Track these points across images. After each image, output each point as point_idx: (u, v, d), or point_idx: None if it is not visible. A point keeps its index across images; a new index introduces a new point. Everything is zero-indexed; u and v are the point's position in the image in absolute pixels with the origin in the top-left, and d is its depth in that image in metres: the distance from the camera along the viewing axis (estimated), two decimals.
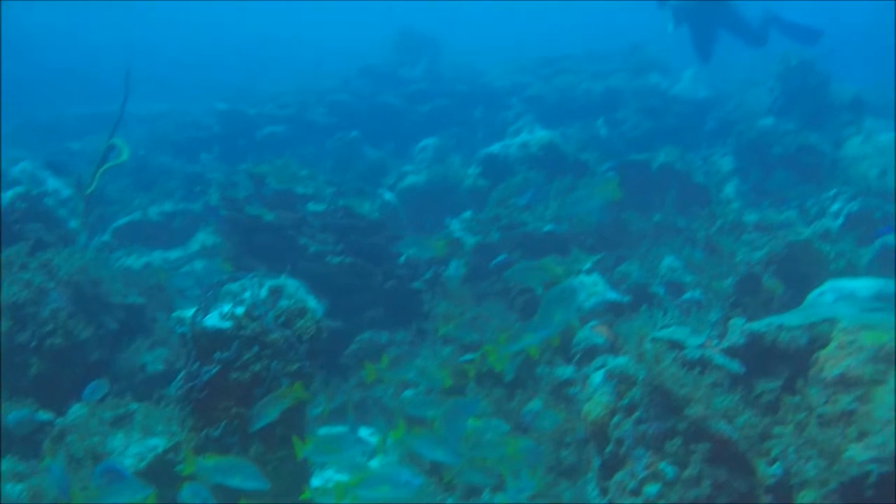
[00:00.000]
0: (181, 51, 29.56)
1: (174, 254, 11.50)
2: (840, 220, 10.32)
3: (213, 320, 5.82)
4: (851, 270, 8.38)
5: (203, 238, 11.49)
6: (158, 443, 6.13)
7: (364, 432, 7.77)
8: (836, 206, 10.76)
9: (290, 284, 6.34)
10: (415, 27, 22.38)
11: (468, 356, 7.49)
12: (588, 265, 8.55)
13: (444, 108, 17.77)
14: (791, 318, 5.61)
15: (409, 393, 7.41)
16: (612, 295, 8.07)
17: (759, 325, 5.59)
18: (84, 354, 7.69)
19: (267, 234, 9.53)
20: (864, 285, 6.87)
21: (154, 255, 11.44)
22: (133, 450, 6.12)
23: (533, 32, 27.72)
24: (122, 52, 25.55)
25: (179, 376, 5.99)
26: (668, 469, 4.89)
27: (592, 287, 8.09)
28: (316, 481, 6.34)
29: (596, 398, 5.63)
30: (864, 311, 5.65)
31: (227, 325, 5.79)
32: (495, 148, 12.59)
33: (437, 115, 17.51)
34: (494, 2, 33.24)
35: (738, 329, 5.68)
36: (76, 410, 6.66)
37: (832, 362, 4.98)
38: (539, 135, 12.61)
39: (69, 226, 10.35)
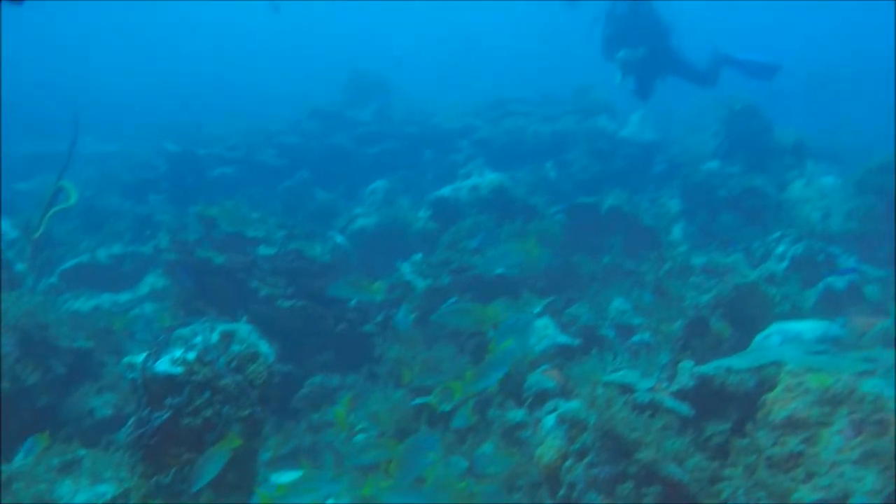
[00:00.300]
0: (131, 90, 29.36)
1: (123, 297, 11.39)
2: (785, 263, 10.50)
3: (164, 365, 5.78)
4: (797, 313, 8.52)
5: (153, 281, 11.41)
6: (107, 489, 6.04)
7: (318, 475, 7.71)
8: (780, 249, 10.95)
9: (242, 329, 6.32)
10: (364, 69, 22.48)
11: (420, 400, 7.50)
12: (538, 308, 8.61)
13: (394, 150, 17.82)
14: (739, 361, 5.69)
15: (360, 437, 7.40)
16: (562, 338, 8.13)
17: (707, 368, 5.67)
18: (31, 399, 7.58)
19: (217, 277, 9.49)
20: (809, 327, 7.01)
21: (103, 298, 11.32)
22: (81, 497, 6.03)
23: (482, 73, 27.90)
24: (70, 91, 25.44)
25: (130, 422, 5.92)
26: None
27: (543, 330, 8.15)
28: None
29: (548, 442, 5.67)
30: (809, 354, 5.75)
31: (179, 370, 5.75)
32: (445, 191, 12.67)
33: (387, 156, 17.55)
34: (444, 44, 33.65)
35: (688, 372, 5.75)
36: (23, 457, 6.56)
37: (780, 405, 5.06)
38: (489, 178, 12.71)
39: (16, 269, 10.25)
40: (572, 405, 5.88)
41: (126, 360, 7.15)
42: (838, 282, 9.86)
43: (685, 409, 5.51)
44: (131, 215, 14.74)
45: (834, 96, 24.43)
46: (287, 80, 29.14)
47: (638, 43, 12.03)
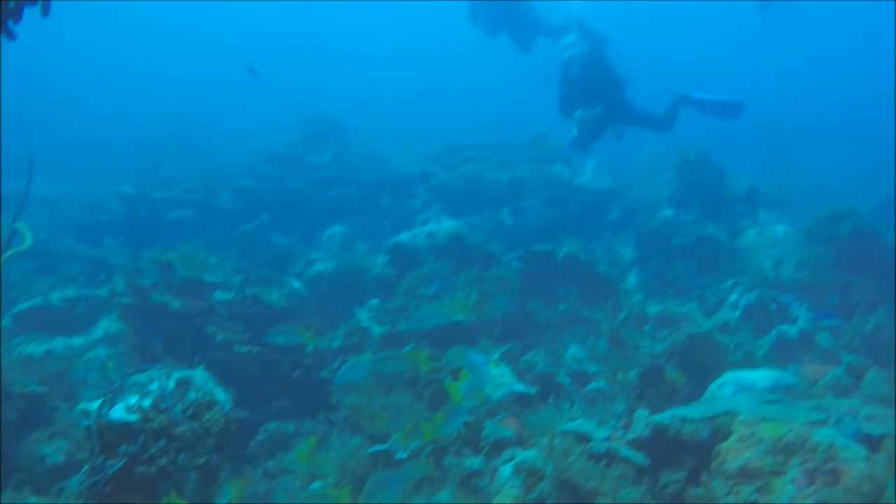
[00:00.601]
0: (88, 128, 29.15)
1: (77, 341, 11.26)
2: (738, 312, 10.66)
3: (119, 413, 5.75)
4: (750, 361, 8.65)
5: (107, 325, 11.30)
6: None
7: None
8: (733, 297, 11.12)
9: (199, 376, 6.30)
10: (322, 112, 22.52)
11: (377, 447, 7.50)
12: (496, 356, 8.65)
13: (352, 195, 17.83)
14: (693, 411, 5.76)
15: (317, 485, 7.37)
16: (519, 387, 8.16)
17: (662, 418, 5.74)
18: None
19: (174, 322, 9.44)
20: (761, 376, 7.10)
21: (56, 342, 11.18)
22: None
23: (442, 117, 28.07)
24: (26, 127, 25.21)
25: (83, 469, 5.87)
26: None
27: (500, 378, 8.18)
28: None
29: (505, 491, 5.69)
30: (762, 403, 5.83)
31: (134, 417, 5.72)
32: (403, 237, 12.71)
33: (344, 201, 17.55)
34: (403, 89, 33.82)
35: (643, 421, 5.82)
36: None
37: (733, 454, 5.13)
38: (446, 225, 12.79)
39: None
40: (529, 454, 5.91)
41: (80, 406, 7.10)
42: (790, 330, 10.02)
43: (641, 458, 5.56)
44: (86, 258, 14.60)
45: (785, 143, 24.80)
46: (246, 120, 29.09)
47: (594, 101, 12.09)
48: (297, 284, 11.75)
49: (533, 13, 16.25)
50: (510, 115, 26.84)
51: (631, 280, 13.32)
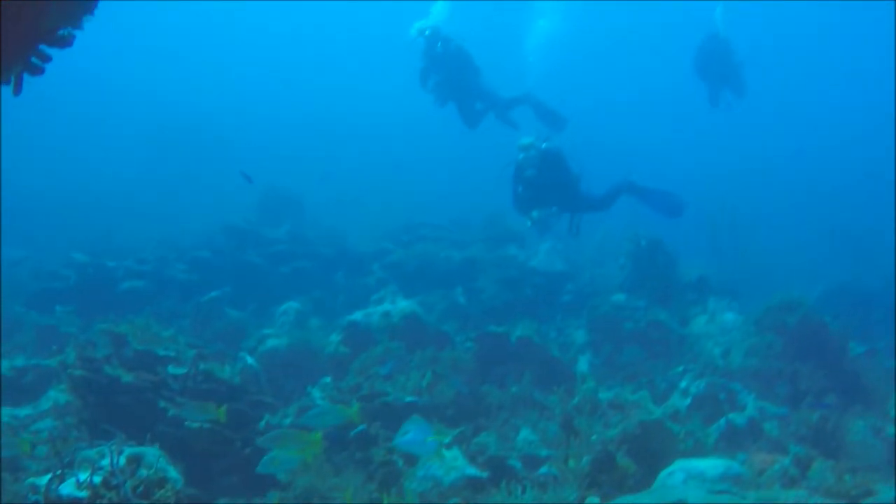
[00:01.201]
0: (43, 192, 28.96)
1: (23, 411, 11.10)
2: (688, 400, 10.78)
3: (68, 489, 5.69)
4: (699, 449, 8.73)
5: (55, 396, 11.14)
6: None
7: None
8: (683, 384, 11.26)
9: (150, 453, 6.27)
10: (279, 186, 22.66)
11: None
12: (448, 439, 8.65)
13: (306, 270, 17.87)
14: (644, 499, 5.82)
15: None
16: (471, 470, 8.16)
17: None
18: None
19: (125, 396, 9.36)
20: (711, 465, 7.19)
21: (2, 413, 11.02)
22: None
23: (399, 193, 28.25)
24: None
25: None
26: None
27: (452, 461, 8.18)
28: None
29: None
30: (711, 493, 5.91)
31: (83, 494, 5.67)
32: (357, 316, 12.77)
33: (299, 276, 17.58)
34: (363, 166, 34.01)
35: None
36: None
37: None
38: (401, 305, 12.87)
39: None
40: None
41: (29, 481, 6.99)
42: (738, 419, 10.16)
43: None
44: (36, 326, 14.47)
45: (733, 226, 25.28)
46: (202, 190, 29.09)
47: (549, 201, 12.17)
48: (250, 360, 11.69)
49: (483, 85, 16.50)
50: (468, 190, 27.11)
51: (583, 364, 13.46)
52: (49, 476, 5.88)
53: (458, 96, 16.13)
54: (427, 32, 15.74)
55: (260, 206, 21.65)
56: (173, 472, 6.19)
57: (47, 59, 3.84)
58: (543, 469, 8.85)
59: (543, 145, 12.24)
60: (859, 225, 27.32)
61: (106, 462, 5.94)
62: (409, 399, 9.90)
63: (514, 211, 12.72)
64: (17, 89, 3.85)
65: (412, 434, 7.07)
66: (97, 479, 5.75)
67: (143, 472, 6.03)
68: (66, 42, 3.93)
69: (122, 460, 6.02)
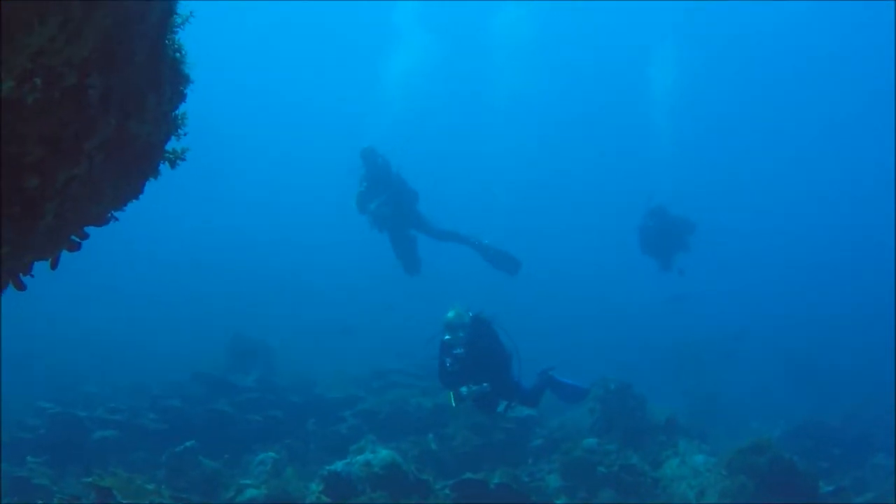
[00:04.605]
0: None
1: None
2: None
3: None
4: None
5: None
6: None
7: None
8: None
9: None
10: (247, 334, 22.79)
11: None
12: None
13: (277, 418, 17.87)
14: None
15: None
16: None
17: None
18: None
19: None
20: None
21: None
22: None
23: (369, 338, 28.50)
24: None
25: None
26: None
27: None
28: None
29: None
30: None
31: None
32: (338, 465, 12.82)
33: (270, 424, 17.55)
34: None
35: None
36: None
37: None
38: (382, 454, 12.96)
39: None
40: None
41: None
42: None
43: None
44: (8, 478, 14.33)
45: (697, 364, 25.73)
46: (168, 335, 29.09)
47: (479, 377, 12.04)
48: None
49: (421, 216, 16.92)
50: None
51: None
52: None
53: (397, 222, 16.50)
54: (368, 152, 16.25)
55: (229, 352, 21.72)
56: None
57: (86, 236, 4.13)
58: None
59: (469, 315, 12.28)
60: (817, 360, 27.92)
61: None
62: None
63: (440, 383, 12.73)
64: (55, 264, 4.11)
65: None
66: None
67: None
68: (107, 222, 4.22)
69: None
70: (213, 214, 53.75)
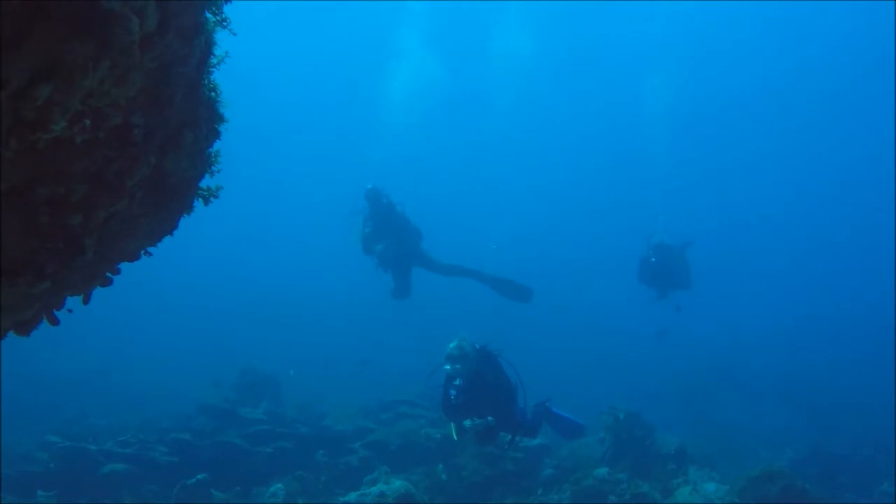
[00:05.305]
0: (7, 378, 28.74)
1: None
2: None
3: None
4: None
5: None
6: None
7: None
8: None
9: None
10: (255, 366, 22.80)
11: None
12: None
13: (287, 450, 17.88)
14: None
15: None
16: None
17: None
18: None
19: None
20: None
21: None
22: None
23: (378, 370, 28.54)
24: None
25: None
26: None
27: None
28: None
29: None
30: None
31: None
32: (352, 497, 12.87)
33: (280, 456, 17.57)
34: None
35: None
36: None
37: None
38: (395, 485, 13.00)
39: None
40: None
41: None
42: None
43: None
44: None
45: (705, 393, 25.75)
46: (174, 367, 29.06)
47: (482, 411, 11.73)
48: None
49: (424, 254, 17.03)
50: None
51: None
52: None
53: (401, 262, 16.60)
54: (372, 193, 16.32)
55: (237, 385, 21.74)
56: None
57: (118, 272, 4.20)
58: None
59: (473, 346, 12.08)
60: (824, 388, 27.90)
61: None
62: None
63: (443, 414, 12.58)
64: (87, 299, 4.18)
65: None
66: None
67: None
68: (139, 258, 4.30)
69: None
70: (220, 246, 53.75)
